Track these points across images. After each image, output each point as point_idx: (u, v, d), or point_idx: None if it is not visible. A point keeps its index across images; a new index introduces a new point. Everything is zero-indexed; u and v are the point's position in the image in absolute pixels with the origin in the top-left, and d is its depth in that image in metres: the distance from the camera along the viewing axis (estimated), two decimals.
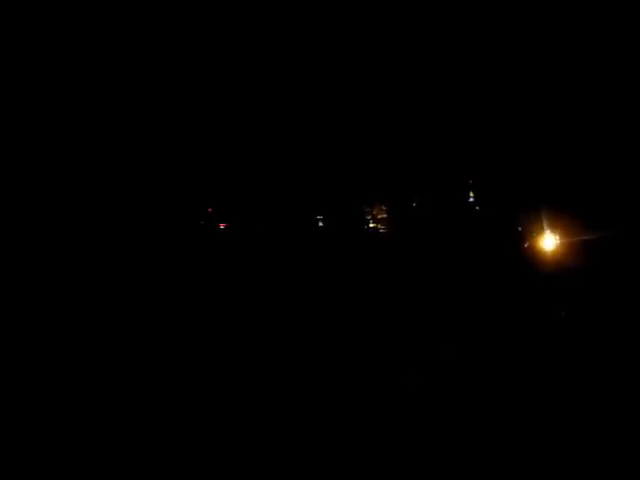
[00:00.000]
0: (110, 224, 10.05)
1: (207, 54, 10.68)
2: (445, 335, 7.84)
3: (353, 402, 6.23)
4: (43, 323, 8.26)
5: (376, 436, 5.60)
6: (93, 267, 9.59)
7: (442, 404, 6.09)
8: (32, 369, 7.11)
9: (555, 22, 10.06)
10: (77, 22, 10.06)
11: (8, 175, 9.68)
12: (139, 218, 10.15)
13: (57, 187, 9.95)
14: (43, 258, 9.38)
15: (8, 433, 5.58)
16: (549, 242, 9.64)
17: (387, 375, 6.89)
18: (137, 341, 8.06)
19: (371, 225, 11.40)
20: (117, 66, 10.41)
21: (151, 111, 10.55)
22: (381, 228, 11.36)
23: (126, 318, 8.57)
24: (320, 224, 11.27)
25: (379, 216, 11.43)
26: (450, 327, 8.06)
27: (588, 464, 4.96)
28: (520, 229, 10.30)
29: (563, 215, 9.77)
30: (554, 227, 9.70)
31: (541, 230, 9.78)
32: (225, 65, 10.80)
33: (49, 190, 9.89)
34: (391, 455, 5.36)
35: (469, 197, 11.29)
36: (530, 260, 9.65)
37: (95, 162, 10.26)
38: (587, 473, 4.90)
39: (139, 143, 10.48)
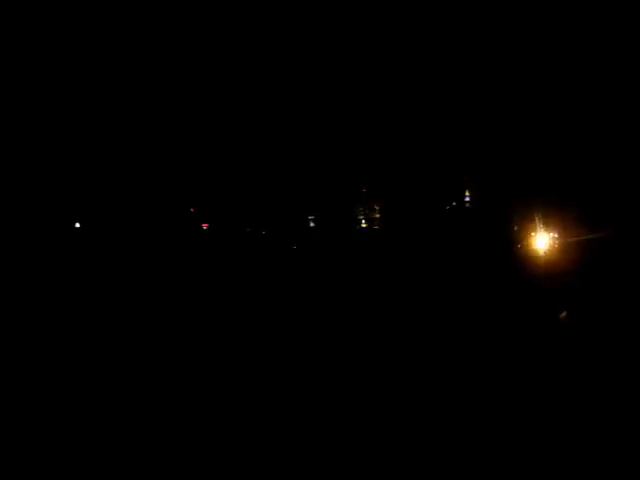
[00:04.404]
0: (95, 223, 9.99)
1: (195, 54, 10.60)
2: (442, 333, 7.73)
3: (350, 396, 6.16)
4: (31, 319, 8.24)
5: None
6: (77, 265, 9.56)
7: (444, 405, 5.99)
8: (31, 368, 7.05)
9: (554, 22, 10.02)
10: (77, 23, 10.05)
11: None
12: (123, 217, 10.07)
13: (38, 185, 9.87)
14: (27, 254, 9.35)
15: (8, 433, 5.50)
16: (544, 242, 9.54)
17: (383, 371, 6.80)
18: (124, 337, 7.98)
19: (363, 224, 11.28)
20: (102, 67, 10.36)
21: (137, 112, 10.47)
22: (374, 227, 11.24)
23: (112, 315, 8.52)
24: (311, 224, 11.14)
25: (372, 215, 11.32)
26: (446, 325, 7.95)
27: (588, 463, 4.86)
28: (515, 228, 10.19)
29: (559, 215, 9.69)
30: (549, 227, 9.61)
31: (536, 230, 9.68)
32: (215, 66, 10.72)
33: (30, 188, 9.82)
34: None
35: (465, 196, 11.20)
36: (524, 260, 9.54)
37: (80, 162, 10.19)
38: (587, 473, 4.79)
39: (124, 143, 10.40)
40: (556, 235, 9.64)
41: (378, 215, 11.33)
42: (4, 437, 5.45)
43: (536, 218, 9.73)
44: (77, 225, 9.87)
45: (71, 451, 5.28)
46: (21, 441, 5.40)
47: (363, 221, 11.31)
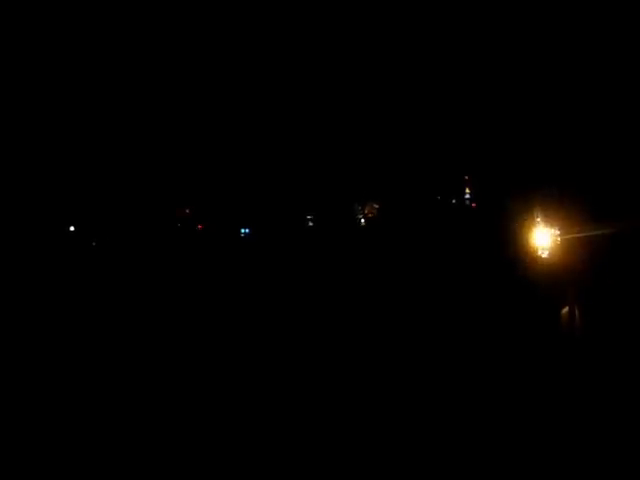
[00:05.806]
0: (91, 224, 10.01)
1: (193, 55, 10.60)
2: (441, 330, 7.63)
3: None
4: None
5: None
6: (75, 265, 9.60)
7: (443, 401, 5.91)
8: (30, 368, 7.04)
9: (550, 21, 10.01)
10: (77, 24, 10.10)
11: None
12: (119, 218, 10.08)
13: (36, 187, 9.92)
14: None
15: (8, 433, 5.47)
16: (545, 238, 9.42)
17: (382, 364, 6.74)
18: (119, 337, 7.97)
19: (362, 222, 11.24)
20: (100, 68, 10.39)
21: (134, 114, 10.47)
22: (373, 225, 11.17)
23: (109, 314, 8.52)
24: (310, 224, 11.08)
25: (370, 214, 11.26)
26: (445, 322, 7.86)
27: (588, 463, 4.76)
28: (516, 225, 10.08)
29: (560, 211, 9.59)
30: (551, 222, 9.50)
31: (537, 226, 9.57)
32: (213, 67, 10.71)
33: (28, 190, 9.87)
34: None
35: (465, 194, 11.14)
36: (525, 256, 9.43)
37: (76, 164, 10.21)
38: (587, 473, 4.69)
39: (121, 145, 10.40)
40: (558, 231, 9.51)
41: (378, 213, 11.28)
42: (4, 437, 5.41)
43: (537, 214, 9.62)
44: (72, 228, 9.87)
45: (71, 450, 5.23)
46: (21, 441, 5.36)
47: (362, 220, 11.26)
